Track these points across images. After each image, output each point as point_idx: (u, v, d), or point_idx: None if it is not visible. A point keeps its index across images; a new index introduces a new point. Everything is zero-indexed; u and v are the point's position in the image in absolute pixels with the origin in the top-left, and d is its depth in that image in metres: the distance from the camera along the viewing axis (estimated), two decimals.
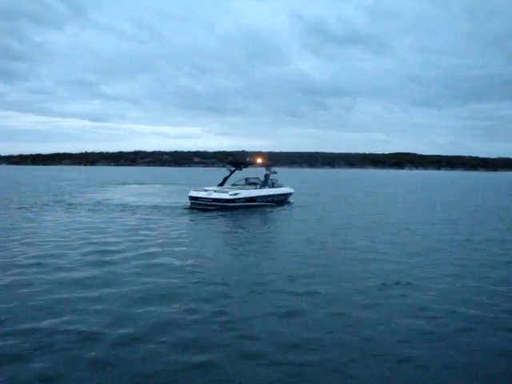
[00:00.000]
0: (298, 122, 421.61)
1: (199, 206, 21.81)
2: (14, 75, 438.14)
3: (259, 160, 26.54)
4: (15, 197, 27.57)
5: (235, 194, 22.00)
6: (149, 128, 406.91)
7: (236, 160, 27.50)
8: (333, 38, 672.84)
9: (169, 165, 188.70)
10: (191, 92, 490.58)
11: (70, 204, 23.17)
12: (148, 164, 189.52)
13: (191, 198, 22.45)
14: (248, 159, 27.12)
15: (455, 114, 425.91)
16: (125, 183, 50.09)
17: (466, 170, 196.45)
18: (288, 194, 26.31)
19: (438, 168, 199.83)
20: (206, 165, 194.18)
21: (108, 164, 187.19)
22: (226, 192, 22.15)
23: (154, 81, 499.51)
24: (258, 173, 25.61)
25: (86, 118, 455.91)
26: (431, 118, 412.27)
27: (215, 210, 21.11)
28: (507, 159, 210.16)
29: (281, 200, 25.31)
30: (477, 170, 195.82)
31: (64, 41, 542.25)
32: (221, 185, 24.27)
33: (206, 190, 22.52)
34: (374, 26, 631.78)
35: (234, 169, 25.67)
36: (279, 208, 23.16)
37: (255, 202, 23.10)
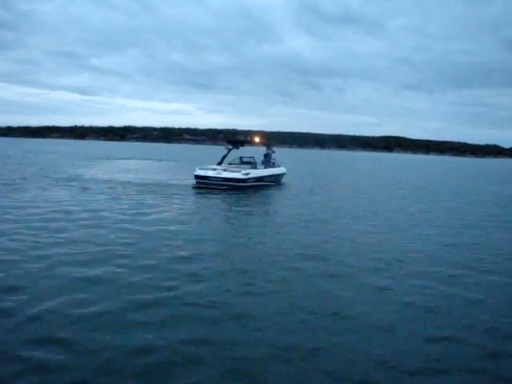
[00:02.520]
0: (289, 101, 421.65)
1: (207, 185, 20.82)
2: None
3: (257, 139, 26.72)
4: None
5: (247, 174, 21.23)
6: (139, 103, 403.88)
7: (235, 139, 27.13)
8: (326, 18, 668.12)
9: (158, 141, 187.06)
10: (182, 68, 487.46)
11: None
12: (138, 140, 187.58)
13: (198, 176, 21.46)
14: (247, 138, 27.17)
15: (446, 100, 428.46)
16: (122, 158, 50.29)
17: (455, 155, 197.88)
18: (283, 174, 26.39)
19: (427, 152, 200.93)
20: (197, 142, 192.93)
21: (97, 138, 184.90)
22: (238, 171, 21.21)
23: (144, 55, 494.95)
24: (252, 152, 25.26)
25: (75, 90, 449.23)
26: (422, 103, 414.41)
27: (225, 189, 20.31)
28: (494, 146, 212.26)
29: (278, 180, 25.38)
30: (465, 155, 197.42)
31: (52, 10, 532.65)
32: (219, 163, 23.81)
33: (214, 169, 21.56)
34: (368, 6, 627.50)
35: (231, 147, 25.31)
36: (289, 190, 22.64)
37: (262, 181, 22.75)
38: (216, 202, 17.12)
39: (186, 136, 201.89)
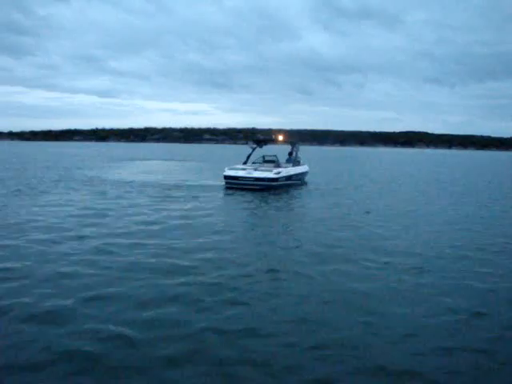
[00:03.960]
0: (307, 99, 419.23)
1: (238, 185, 20.65)
2: (20, 50, 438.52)
3: (281, 137, 26.38)
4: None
5: (278, 173, 20.95)
6: (158, 104, 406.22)
7: (259, 138, 26.93)
8: (344, 13, 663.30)
9: (179, 141, 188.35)
10: (200, 68, 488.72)
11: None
12: (158, 141, 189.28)
13: (228, 177, 21.29)
14: (271, 136, 27.01)
15: (468, 93, 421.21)
16: (146, 159, 51.38)
17: (478, 149, 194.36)
18: (307, 173, 26.11)
19: (449, 147, 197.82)
20: (217, 142, 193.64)
21: (118, 140, 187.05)
22: (270, 170, 20.91)
23: (162, 56, 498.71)
24: (274, 150, 24.96)
25: (95, 93, 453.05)
26: (443, 96, 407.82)
27: (257, 190, 20.18)
28: None
29: (303, 178, 25.13)
30: (489, 149, 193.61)
31: (70, 15, 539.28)
32: (244, 163, 23.72)
33: (244, 169, 21.42)
34: (386, 1, 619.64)
35: (255, 146, 25.30)
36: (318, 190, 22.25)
37: (291, 180, 22.60)
38: (258, 205, 16.95)
39: (206, 136, 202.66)
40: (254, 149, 25.13)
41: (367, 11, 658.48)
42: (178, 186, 21.70)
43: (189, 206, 15.71)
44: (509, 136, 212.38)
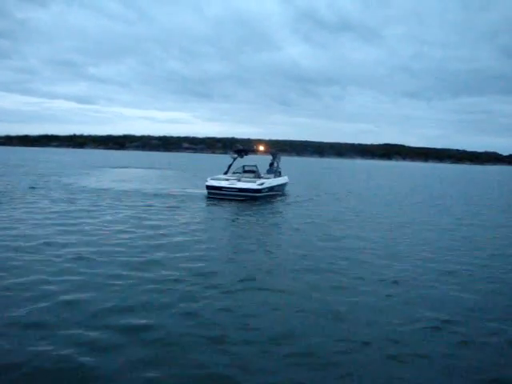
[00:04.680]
0: (287, 110, 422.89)
1: (221, 195, 20.49)
2: None
3: (261, 147, 26.26)
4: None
5: (262, 184, 20.83)
6: (137, 112, 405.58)
7: (239, 148, 26.87)
8: (324, 25, 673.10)
9: (158, 149, 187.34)
10: (179, 76, 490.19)
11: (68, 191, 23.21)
12: (137, 148, 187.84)
13: (211, 187, 21.01)
14: (252, 147, 26.99)
15: (445, 107, 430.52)
16: (126, 167, 50.51)
17: (453, 162, 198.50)
18: (287, 184, 25.74)
19: (426, 160, 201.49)
20: (195, 150, 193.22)
21: (96, 147, 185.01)
22: (253, 181, 20.87)
23: (142, 63, 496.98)
24: (254, 160, 24.76)
25: (73, 99, 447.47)
26: (421, 110, 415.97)
27: (241, 200, 20.04)
28: (494, 153, 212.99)
29: (283, 189, 24.88)
30: (464, 163, 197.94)
31: (48, 19, 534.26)
32: (225, 173, 23.59)
33: (227, 179, 21.29)
34: (366, 14, 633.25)
35: (236, 156, 25.09)
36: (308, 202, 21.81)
37: (273, 191, 22.43)
38: (244, 214, 16.94)
39: (185, 144, 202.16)
40: (234, 159, 24.92)
41: (347, 24, 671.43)
42: (156, 195, 21.31)
43: (167, 215, 15.36)
44: (482, 150, 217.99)
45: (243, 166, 23.62)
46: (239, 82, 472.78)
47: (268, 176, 23.51)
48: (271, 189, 22.19)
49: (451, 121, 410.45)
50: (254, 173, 22.76)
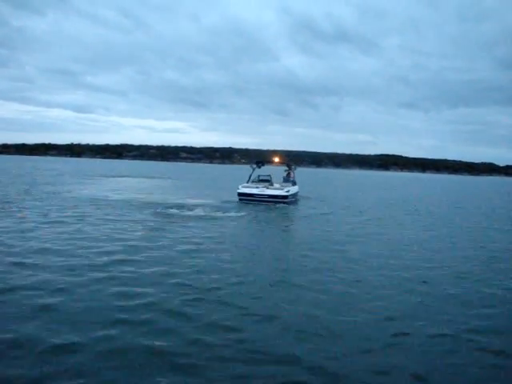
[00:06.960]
0: (284, 120, 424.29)
1: (253, 201, 23.24)
2: None
3: (277, 159, 29.32)
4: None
5: (288, 191, 23.92)
6: (134, 121, 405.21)
7: (260, 160, 29.04)
8: (321, 36, 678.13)
9: (155, 159, 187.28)
10: (177, 86, 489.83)
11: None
12: (135, 158, 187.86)
13: (242, 194, 23.72)
14: (268, 159, 30.11)
15: (442, 118, 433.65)
16: (127, 176, 50.33)
17: (450, 173, 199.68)
18: (298, 192, 28.05)
19: (423, 171, 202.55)
20: (193, 160, 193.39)
21: (94, 156, 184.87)
22: (281, 189, 24.13)
23: (139, 73, 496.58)
24: (267, 171, 27.18)
25: (71, 108, 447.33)
26: (418, 121, 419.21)
27: (271, 203, 22.86)
28: (490, 164, 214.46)
29: (297, 197, 27.18)
30: (460, 173, 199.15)
31: (45, 27, 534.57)
32: (248, 181, 25.84)
33: (257, 187, 24.14)
34: (363, 25, 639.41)
35: (255, 167, 27.26)
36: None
37: (294, 198, 25.39)
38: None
39: (183, 154, 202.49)
40: (254, 169, 27.06)
41: (344, 35, 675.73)
42: (179, 206, 20.89)
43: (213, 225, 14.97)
44: (479, 161, 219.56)
45: (258, 176, 26.46)
46: (236, 92, 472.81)
47: (287, 184, 26.07)
48: (293, 195, 25.36)
49: (448, 131, 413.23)
50: (269, 182, 25.53)
